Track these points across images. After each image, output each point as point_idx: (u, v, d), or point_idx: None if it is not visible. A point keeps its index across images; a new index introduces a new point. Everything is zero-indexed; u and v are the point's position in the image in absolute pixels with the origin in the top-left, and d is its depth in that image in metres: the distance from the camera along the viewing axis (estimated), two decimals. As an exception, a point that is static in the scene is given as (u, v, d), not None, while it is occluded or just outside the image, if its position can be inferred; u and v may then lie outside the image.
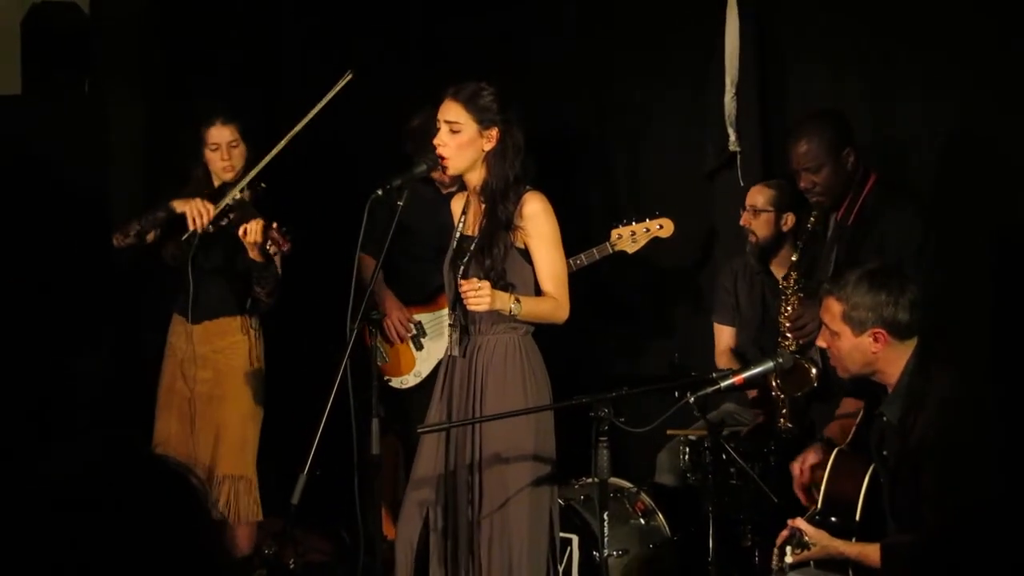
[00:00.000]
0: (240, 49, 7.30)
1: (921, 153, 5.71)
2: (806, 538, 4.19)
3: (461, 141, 4.70)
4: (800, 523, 4.23)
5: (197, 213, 5.57)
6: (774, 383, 5.45)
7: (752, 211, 5.82)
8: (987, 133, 5.52)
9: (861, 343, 4.18)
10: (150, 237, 5.70)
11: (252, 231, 5.50)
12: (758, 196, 5.84)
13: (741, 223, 5.86)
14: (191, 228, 5.60)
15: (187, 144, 5.90)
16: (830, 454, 4.49)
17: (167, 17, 7.18)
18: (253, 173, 5.67)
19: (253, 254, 5.59)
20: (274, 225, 5.54)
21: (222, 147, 5.76)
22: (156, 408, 5.92)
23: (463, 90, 4.73)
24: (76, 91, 7.22)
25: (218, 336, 5.84)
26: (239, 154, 5.79)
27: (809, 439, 5.28)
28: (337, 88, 5.55)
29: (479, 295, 4.50)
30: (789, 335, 5.48)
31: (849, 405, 4.72)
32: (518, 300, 4.60)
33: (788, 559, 4.23)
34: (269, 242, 5.54)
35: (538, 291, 4.73)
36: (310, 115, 5.58)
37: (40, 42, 7.09)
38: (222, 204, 5.63)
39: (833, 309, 4.23)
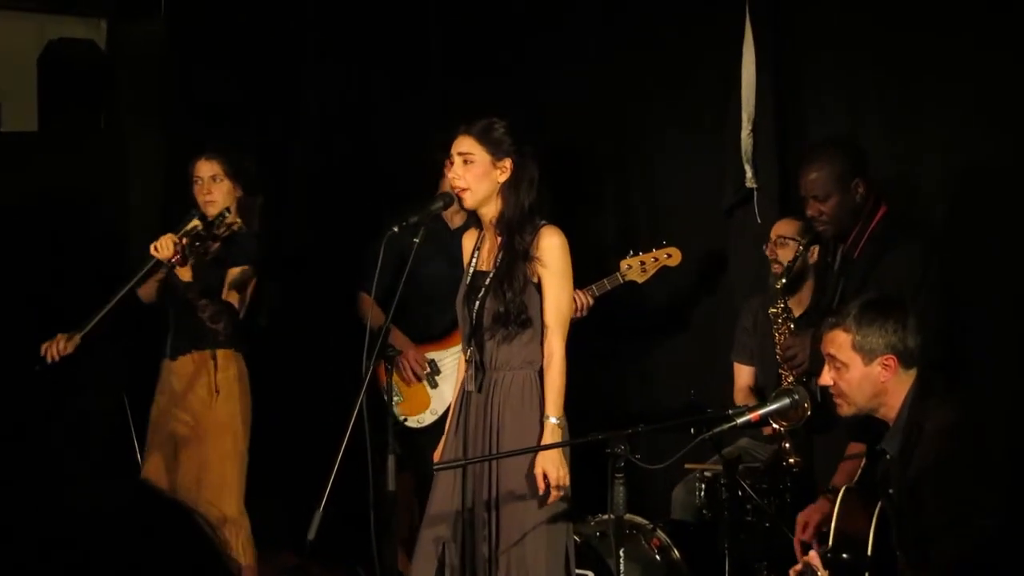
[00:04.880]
0: (258, 84, 7.32)
1: (940, 188, 5.70)
2: (819, 575, 4.17)
3: (476, 173, 4.72)
4: (814, 560, 4.22)
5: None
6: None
7: (780, 240, 5.77)
8: (1006, 167, 5.51)
9: (871, 372, 4.19)
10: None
11: (161, 247, 5.43)
12: (785, 226, 5.80)
13: (767, 254, 5.82)
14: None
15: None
16: (835, 501, 4.49)
17: (183, 53, 7.21)
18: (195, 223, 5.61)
19: (182, 275, 5.52)
20: (184, 240, 5.44)
21: (204, 181, 5.74)
22: (146, 450, 5.89)
23: (475, 124, 4.77)
24: (93, 127, 7.26)
25: (194, 373, 5.79)
26: (220, 189, 5.74)
27: (816, 475, 5.29)
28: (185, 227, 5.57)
29: (557, 478, 4.60)
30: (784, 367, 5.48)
31: (855, 448, 4.72)
32: (550, 416, 4.66)
33: None
34: (175, 256, 5.44)
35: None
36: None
37: (57, 78, 7.13)
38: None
39: (840, 340, 4.24)
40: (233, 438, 5.80)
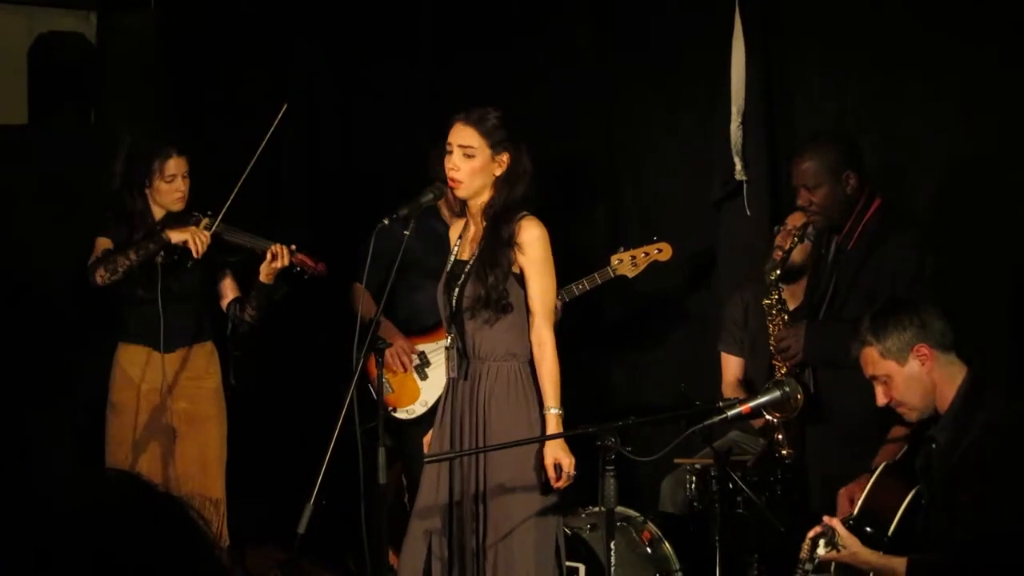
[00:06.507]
0: (247, 78, 7.31)
1: (929, 180, 5.72)
2: (837, 539, 4.18)
3: (474, 166, 4.70)
4: (835, 523, 4.22)
5: (199, 241, 5.62)
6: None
7: (794, 230, 5.67)
8: (994, 158, 5.52)
9: (911, 370, 4.20)
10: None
11: (282, 256, 5.65)
12: (802, 220, 5.70)
13: (777, 240, 5.68)
14: (195, 255, 5.63)
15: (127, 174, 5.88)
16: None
17: (173, 47, 7.20)
18: (223, 213, 5.74)
19: (267, 278, 5.70)
20: (292, 247, 5.67)
21: (178, 178, 5.78)
22: (117, 443, 5.85)
23: (474, 114, 4.73)
24: (82, 121, 7.24)
25: (194, 363, 5.87)
26: (188, 185, 5.81)
27: (808, 467, 5.30)
28: (276, 122, 5.73)
29: (569, 465, 4.65)
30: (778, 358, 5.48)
31: (898, 431, 4.72)
32: (551, 407, 4.68)
33: (820, 551, 4.22)
34: (298, 267, 5.67)
35: (529, 315, 4.74)
36: (258, 152, 5.71)
37: (47, 72, 7.12)
38: (211, 233, 5.69)
39: (871, 357, 4.26)
40: (226, 422, 5.95)
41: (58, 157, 6.94)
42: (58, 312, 6.52)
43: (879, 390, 4.30)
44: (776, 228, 5.76)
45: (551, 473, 4.63)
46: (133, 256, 5.64)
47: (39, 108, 7.09)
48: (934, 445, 4.24)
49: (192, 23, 7.22)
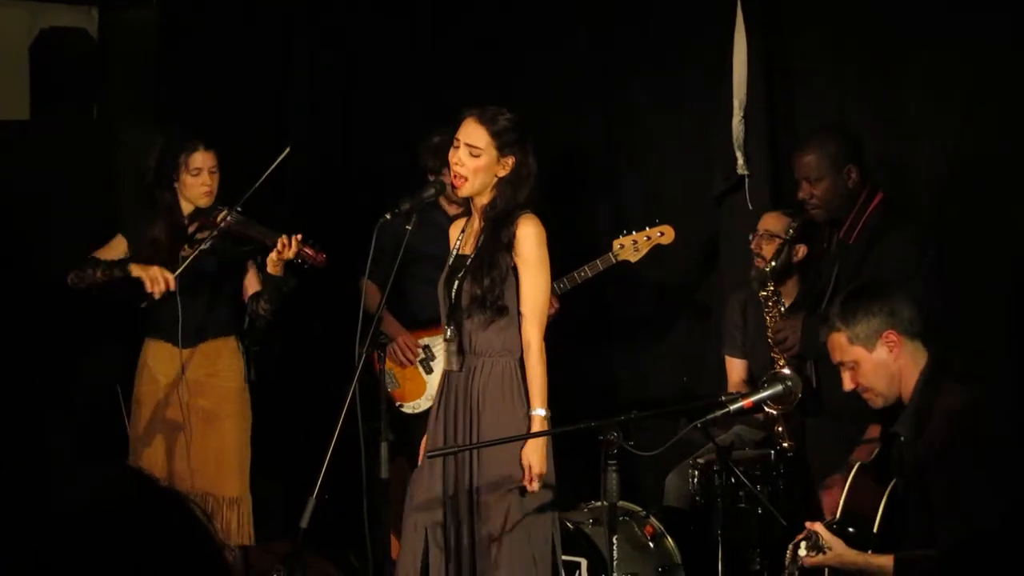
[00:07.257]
0: (247, 75, 7.31)
1: (929, 179, 5.72)
2: (822, 542, 4.19)
3: (479, 165, 4.70)
4: (818, 527, 4.24)
5: (154, 281, 5.57)
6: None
7: (766, 235, 5.76)
8: (994, 158, 5.52)
9: (879, 357, 4.20)
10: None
11: (289, 247, 5.59)
12: (773, 221, 5.77)
13: (752, 247, 5.80)
14: (151, 293, 5.59)
15: (158, 169, 5.89)
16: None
17: (175, 43, 7.20)
18: (239, 205, 5.73)
19: (275, 269, 5.64)
20: (297, 237, 5.61)
21: (204, 172, 5.78)
22: (136, 437, 5.88)
23: (486, 113, 4.73)
24: (84, 117, 7.24)
25: (212, 359, 5.86)
26: (216, 180, 5.81)
27: (808, 459, 5.31)
28: (277, 162, 5.73)
29: (540, 470, 4.64)
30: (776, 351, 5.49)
31: (874, 431, 4.73)
32: (537, 408, 4.67)
33: (801, 551, 4.23)
34: (300, 257, 5.61)
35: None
36: (253, 188, 5.71)
37: (49, 68, 7.12)
38: (198, 249, 5.66)
39: (839, 343, 4.26)
40: (247, 420, 5.93)
41: (60, 153, 6.95)
42: (59, 310, 6.52)
43: (846, 376, 4.30)
44: (750, 236, 5.80)
45: (526, 473, 4.65)
46: (99, 274, 5.65)
47: (41, 104, 7.09)
48: (901, 439, 4.26)
49: (193, 20, 7.22)
